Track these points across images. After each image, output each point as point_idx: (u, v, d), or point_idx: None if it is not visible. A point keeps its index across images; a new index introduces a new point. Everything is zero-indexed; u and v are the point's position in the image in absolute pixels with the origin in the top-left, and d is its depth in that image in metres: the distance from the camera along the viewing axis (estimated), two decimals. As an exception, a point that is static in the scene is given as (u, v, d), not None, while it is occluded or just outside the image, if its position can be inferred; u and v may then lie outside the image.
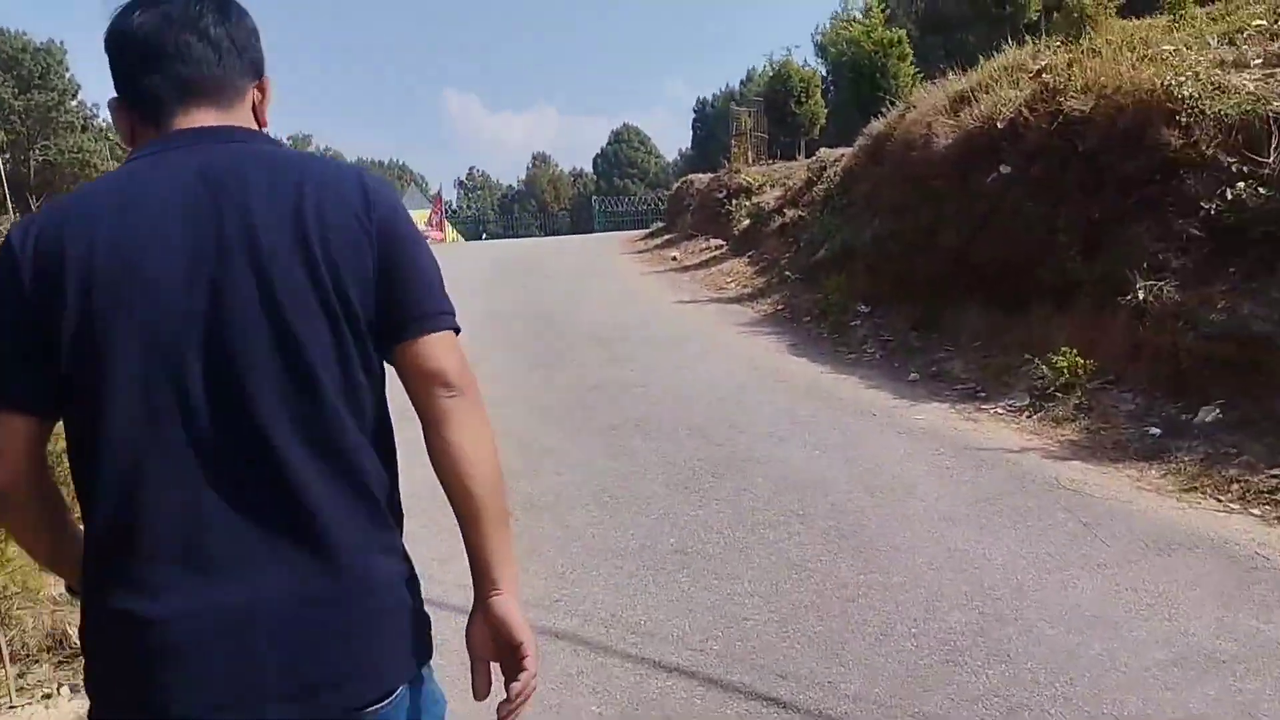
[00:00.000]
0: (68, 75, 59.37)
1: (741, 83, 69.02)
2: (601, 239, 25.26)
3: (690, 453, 6.81)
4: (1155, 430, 6.72)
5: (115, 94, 1.62)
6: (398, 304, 1.54)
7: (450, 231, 46.36)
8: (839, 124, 20.10)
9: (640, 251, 19.56)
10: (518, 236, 53.25)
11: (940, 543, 5.18)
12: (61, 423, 1.51)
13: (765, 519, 5.64)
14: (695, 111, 73.21)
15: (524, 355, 10.31)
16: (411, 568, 1.59)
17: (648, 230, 23.24)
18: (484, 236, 46.86)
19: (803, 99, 18.96)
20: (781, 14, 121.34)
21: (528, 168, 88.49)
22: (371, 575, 1.50)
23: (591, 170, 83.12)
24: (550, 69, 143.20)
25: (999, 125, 9.39)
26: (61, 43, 59.43)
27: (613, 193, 67.97)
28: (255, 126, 1.66)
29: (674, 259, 17.39)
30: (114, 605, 1.43)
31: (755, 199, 17.08)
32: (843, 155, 15.37)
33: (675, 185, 21.84)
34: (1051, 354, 7.63)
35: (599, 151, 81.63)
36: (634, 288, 14.77)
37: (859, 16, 26.89)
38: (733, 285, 14.12)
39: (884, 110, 13.95)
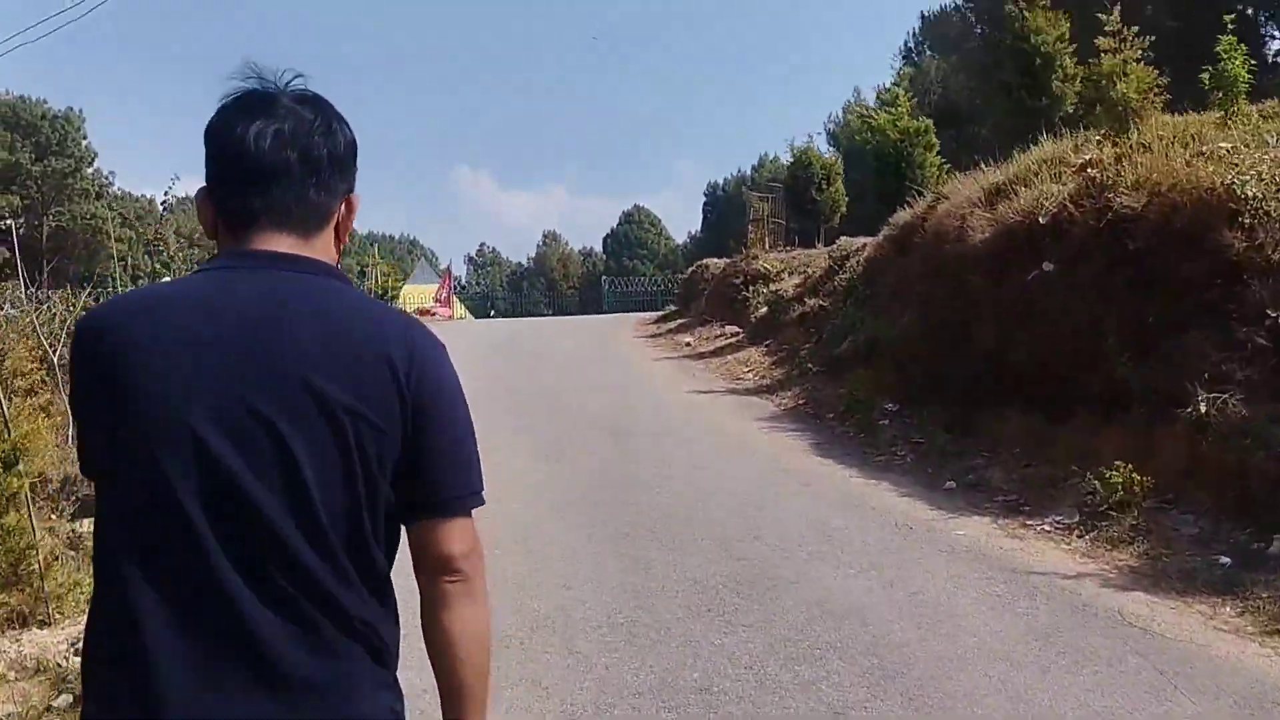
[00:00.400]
0: (84, 143, 60.14)
1: (754, 168, 69.26)
2: (612, 320, 24.82)
3: (712, 568, 6.20)
4: (1225, 560, 6.11)
5: (205, 183, 1.62)
6: (420, 481, 1.54)
7: (459, 308, 46.05)
8: (856, 213, 19.79)
9: (652, 335, 19.09)
10: (527, 315, 53.05)
11: (1001, 689, 4.56)
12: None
13: (799, 652, 5.01)
14: (706, 195, 73.51)
15: (531, 444, 9.74)
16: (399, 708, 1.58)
17: (660, 313, 22.83)
18: (492, 314, 46.45)
19: (824, 186, 18.65)
20: (793, 102, 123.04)
21: (538, 245, 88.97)
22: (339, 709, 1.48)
23: (601, 250, 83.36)
24: (561, 148, 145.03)
25: (1040, 220, 8.93)
26: (80, 111, 60.14)
27: (622, 273, 67.94)
28: (333, 249, 1.65)
29: (688, 344, 16.90)
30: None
31: (773, 286, 16.65)
32: (865, 244, 14.95)
33: (690, 269, 21.48)
34: (1103, 468, 7.04)
35: (609, 231, 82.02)
36: (647, 374, 14.25)
37: (870, 105, 26.81)
38: (750, 375, 13.59)
39: (909, 201, 13.56)
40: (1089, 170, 8.83)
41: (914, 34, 55.57)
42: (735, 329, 16.52)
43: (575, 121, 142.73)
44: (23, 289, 10.82)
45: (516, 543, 6.73)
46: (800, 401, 11.73)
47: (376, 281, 28.45)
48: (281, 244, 1.56)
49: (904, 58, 55.65)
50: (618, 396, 12.29)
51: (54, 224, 54.12)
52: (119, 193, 60.91)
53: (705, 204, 73.32)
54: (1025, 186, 9.75)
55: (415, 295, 46.47)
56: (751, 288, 16.97)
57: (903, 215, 13.19)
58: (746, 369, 13.99)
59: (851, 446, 9.75)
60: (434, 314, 32.70)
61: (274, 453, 1.44)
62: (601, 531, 6.99)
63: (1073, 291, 8.46)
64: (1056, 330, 8.51)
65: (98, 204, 56.81)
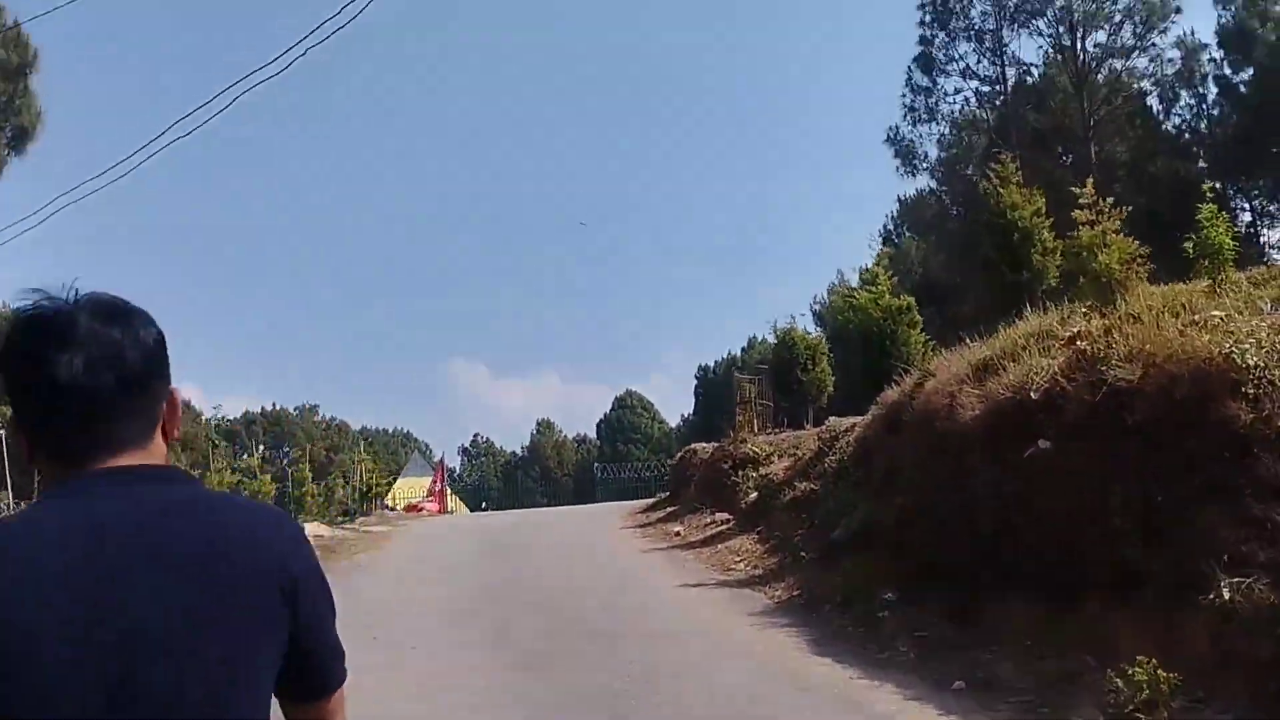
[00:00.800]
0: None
1: (743, 350, 69.84)
2: (603, 510, 24.26)
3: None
4: (1273, 766, 5.49)
5: (14, 415, 1.52)
6: (298, 673, 1.55)
7: (455, 502, 45.34)
8: (844, 392, 19.58)
9: (642, 525, 18.51)
10: (521, 505, 52.25)
11: None
12: None
13: None
14: (697, 378, 73.94)
15: (506, 652, 9.10)
16: None
17: (650, 501, 22.28)
18: (485, 506, 45.72)
19: (809, 365, 18.47)
20: (780, 285, 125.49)
21: (532, 434, 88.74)
22: None
23: (595, 435, 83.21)
24: (553, 338, 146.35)
25: (1032, 395, 8.60)
26: (5, 303, 60.32)
27: (616, 458, 67.52)
28: (164, 449, 1.58)
29: (677, 534, 16.31)
30: None
31: (763, 470, 16.22)
32: (854, 424, 14.62)
33: (678, 455, 21.07)
34: (1124, 664, 6.45)
35: (602, 417, 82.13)
36: (636, 568, 13.62)
37: (853, 285, 27.07)
38: (742, 565, 12.99)
39: (896, 379, 13.30)
40: (1079, 343, 8.57)
41: (893, 216, 57.26)
42: (726, 515, 15.98)
43: (567, 309, 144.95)
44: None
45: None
46: (795, 593, 11.11)
47: (361, 479, 27.89)
48: (121, 461, 1.48)
49: (884, 239, 57.19)
50: (605, 595, 11.66)
51: None
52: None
53: (696, 387, 73.67)
54: (1013, 361, 9.48)
55: (408, 489, 45.88)
56: (741, 472, 16.52)
57: (890, 394, 12.91)
58: (738, 558, 13.40)
59: (851, 643, 9.11)
60: (421, 509, 32.06)
61: (158, 672, 1.37)
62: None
63: (1072, 469, 8.04)
64: (1057, 511, 8.05)
65: None
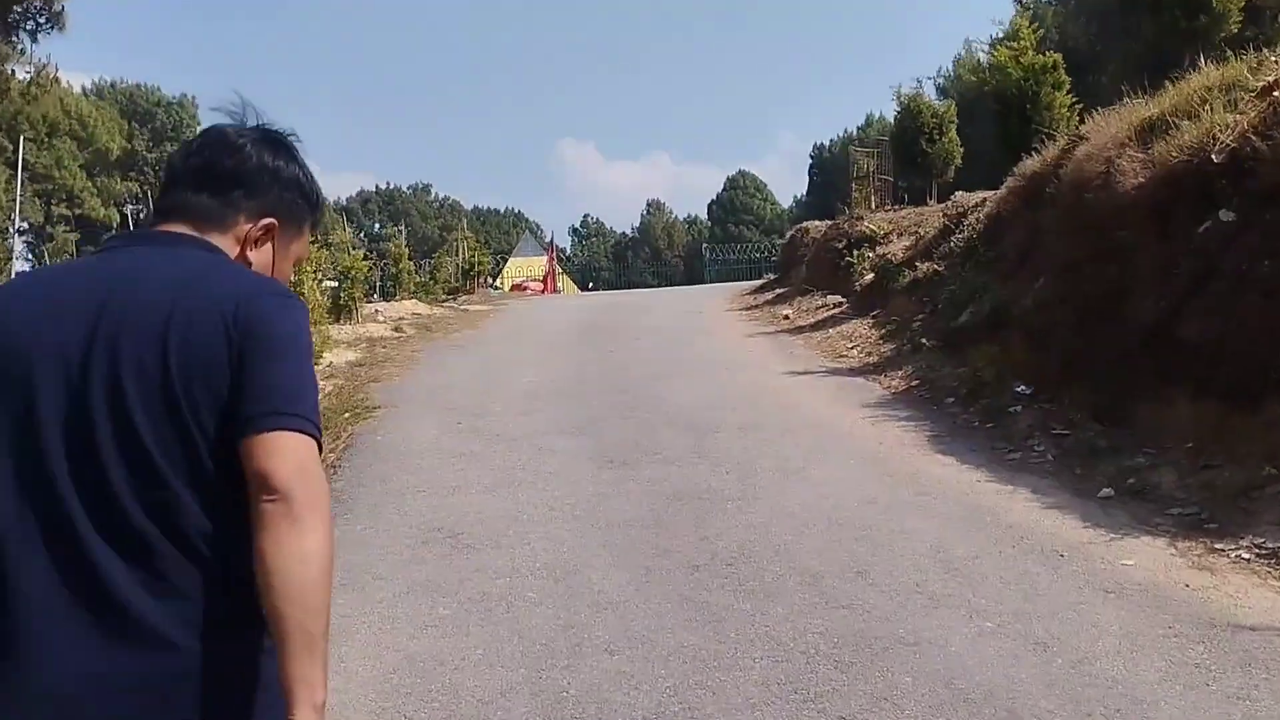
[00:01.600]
0: (199, 129, 61.44)
1: (860, 128, 67.09)
2: (709, 291, 23.32)
3: (802, 622, 4.75)
4: None
5: None
6: (237, 405, 1.59)
7: (565, 282, 44.99)
8: (973, 170, 17.85)
9: (749, 308, 17.54)
10: (630, 286, 51.76)
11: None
12: None
13: (922, 765, 3.55)
14: (812, 157, 71.48)
15: (593, 445, 8.39)
16: (252, 646, 1.60)
17: (759, 283, 21.24)
18: (591, 287, 45.15)
19: (935, 136, 16.72)
20: (899, 59, 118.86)
21: (642, 214, 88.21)
22: (193, 653, 1.54)
23: (706, 217, 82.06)
24: (665, 117, 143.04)
25: (1214, 158, 7.16)
26: (194, 98, 61.37)
27: (727, 239, 66.65)
28: (230, 248, 1.80)
29: (786, 318, 15.32)
30: None
31: (880, 250, 14.95)
32: (985, 199, 13.17)
33: (789, 233, 19.77)
34: (1321, 476, 5.35)
35: (714, 198, 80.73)
36: (739, 353, 12.73)
37: (991, 41, 24.51)
38: (855, 353, 11.99)
39: (1037, 147, 11.73)
40: (1277, 92, 7.02)
41: None
42: (838, 299, 14.88)
43: (679, 89, 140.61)
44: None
45: (554, 583, 5.38)
46: (913, 383, 10.10)
47: (464, 257, 27.40)
48: (173, 228, 1.77)
49: (1018, 2, 52.77)
50: (704, 383, 10.84)
51: None
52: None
53: (811, 166, 71.50)
54: (1189, 119, 7.95)
55: (519, 269, 45.93)
56: (856, 252, 15.27)
57: (1031, 163, 11.39)
58: (851, 345, 12.38)
59: (977, 439, 8.14)
60: (526, 289, 31.67)
61: (110, 393, 1.57)
62: (663, 569, 5.57)
63: (1261, 245, 6.71)
64: (1239, 295, 6.78)
65: (209, 187, 57.93)
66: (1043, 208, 10.49)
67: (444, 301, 21.47)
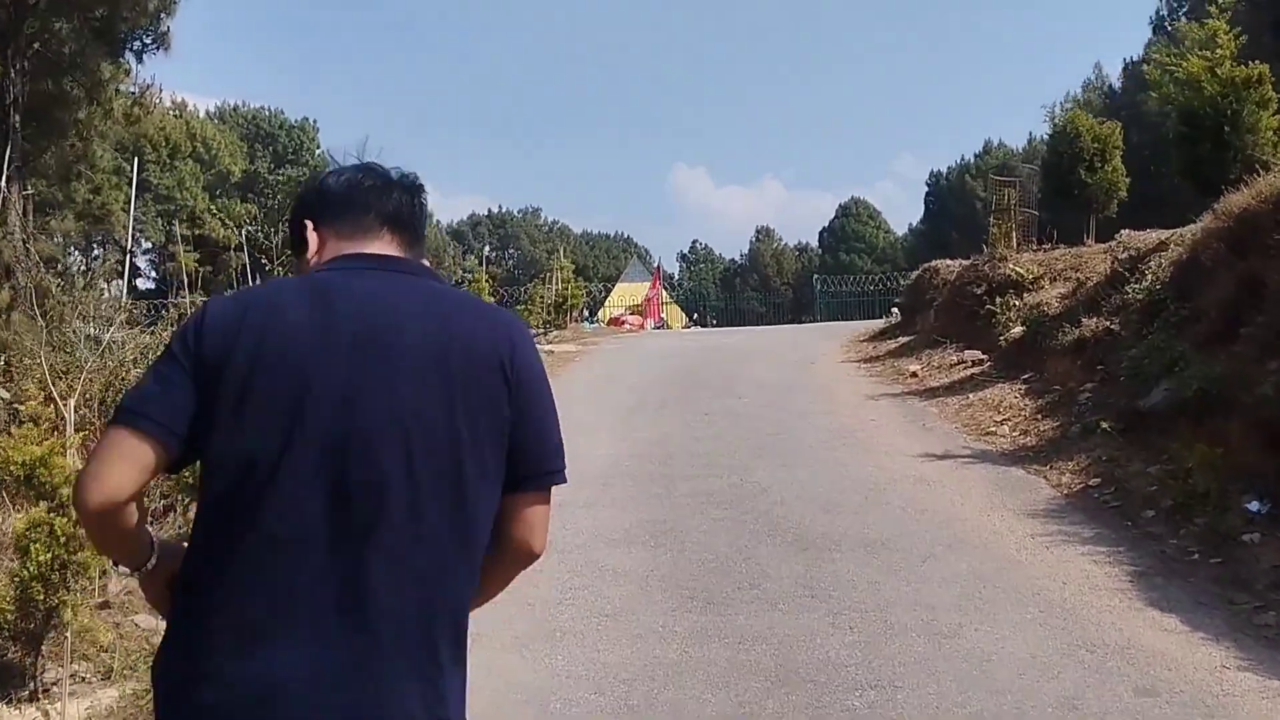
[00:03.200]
0: (319, 151, 62.31)
1: (977, 155, 64.08)
2: (821, 334, 21.04)
3: None
4: None
5: (314, 221, 1.92)
6: (512, 462, 1.74)
7: (674, 311, 42.87)
8: (1139, 198, 15.33)
9: (869, 359, 15.27)
10: (736, 320, 49.53)
11: None
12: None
13: None
14: (929, 185, 68.50)
15: (670, 565, 6.39)
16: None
17: (877, 326, 18.93)
18: (694, 320, 42.71)
19: (1096, 164, 14.25)
20: (1018, 86, 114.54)
21: (751, 241, 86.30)
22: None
23: (817, 244, 79.75)
24: (778, 143, 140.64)
25: None
26: (314, 121, 62.13)
27: (838, 268, 64.28)
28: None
29: (913, 375, 13.05)
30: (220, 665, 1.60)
31: (1028, 298, 12.61)
32: (1166, 241, 10.77)
33: (915, 273, 17.48)
34: None
35: (825, 226, 78.41)
36: (859, 424, 10.52)
37: (1160, 55, 21.69)
38: (1006, 429, 9.70)
39: (1242, 178, 9.34)
40: None
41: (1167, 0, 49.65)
42: (977, 355, 12.56)
43: (793, 114, 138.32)
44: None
45: None
46: (1092, 481, 7.81)
47: (557, 288, 25.68)
48: (389, 249, 1.87)
49: (1154, 26, 49.53)
50: (817, 467, 8.73)
51: (286, 230, 55.89)
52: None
53: (927, 194, 68.63)
54: None
55: (627, 294, 44.27)
56: (999, 299, 12.94)
57: (1238, 198, 9.00)
58: (999, 418, 10.09)
59: (1202, 583, 5.86)
60: (624, 323, 29.81)
61: (387, 427, 1.65)
62: None
63: None
64: None
65: (328, 210, 58.72)
66: (1258, 254, 8.14)
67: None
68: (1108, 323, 10.24)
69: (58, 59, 25.23)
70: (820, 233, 79.70)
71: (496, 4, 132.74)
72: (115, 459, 1.63)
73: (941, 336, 14.01)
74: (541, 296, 25.93)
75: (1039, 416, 9.74)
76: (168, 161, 53.12)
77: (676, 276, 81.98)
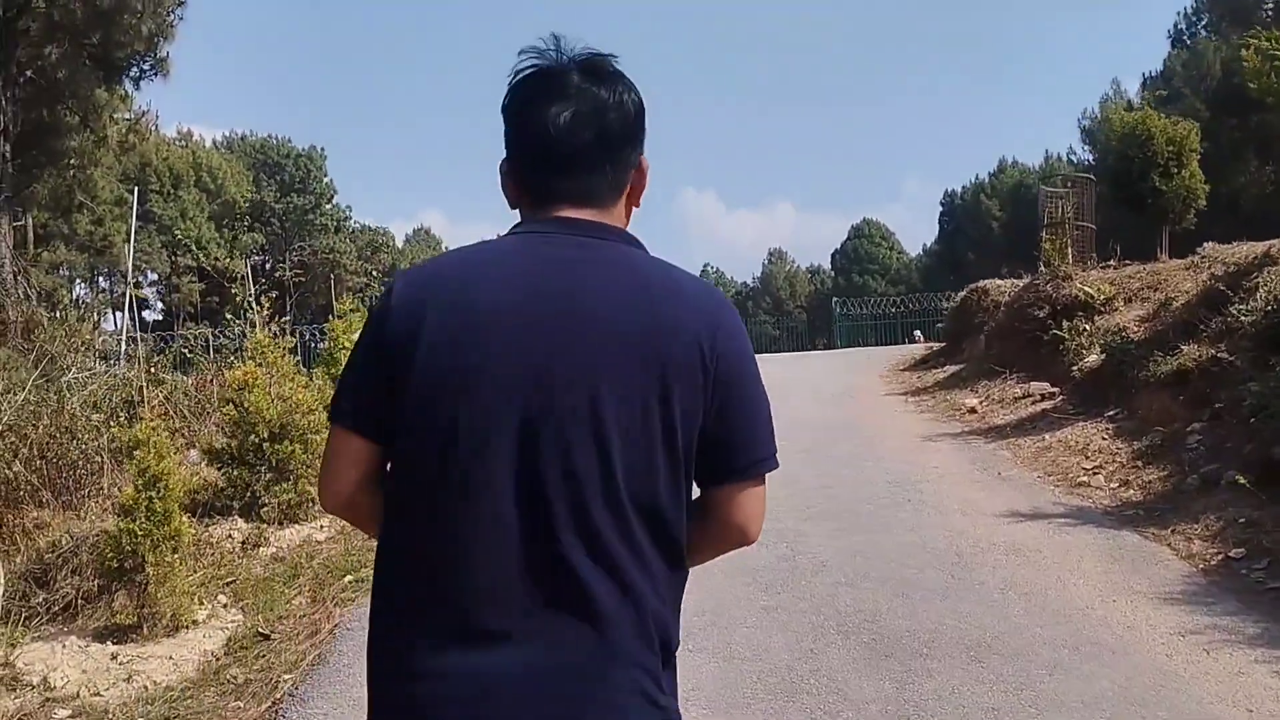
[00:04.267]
0: (325, 180, 61.68)
1: (991, 174, 63.12)
2: (852, 361, 19.52)
3: None
4: None
5: (508, 159, 1.70)
6: (721, 449, 1.59)
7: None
8: (1219, 208, 13.78)
9: (915, 392, 13.72)
10: (754, 344, 47.72)
11: None
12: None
13: None
14: (943, 204, 67.34)
15: (715, 702, 4.83)
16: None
17: (917, 352, 17.37)
18: None
19: (1172, 169, 12.71)
20: (1033, 103, 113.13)
21: (763, 264, 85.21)
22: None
23: (829, 266, 78.66)
24: (787, 165, 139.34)
25: None
26: (322, 149, 61.53)
27: (851, 290, 63.23)
28: (624, 216, 1.72)
29: (971, 411, 11.51)
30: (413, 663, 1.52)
31: (1102, 321, 11.10)
32: (1273, 254, 9.26)
33: (961, 294, 15.90)
34: None
35: (837, 248, 77.37)
36: (923, 474, 8.96)
37: (1128, 100, 20.24)
38: (1100, 479, 8.16)
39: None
40: None
41: (1187, 11, 48.78)
42: (1045, 387, 11.03)
43: (802, 136, 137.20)
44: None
45: None
46: (1232, 551, 6.24)
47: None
48: (581, 213, 1.64)
49: (1173, 40, 48.60)
50: (884, 532, 7.21)
51: (295, 258, 55.02)
52: (355, 226, 62.01)
53: (941, 214, 67.48)
54: None
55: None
56: (1066, 323, 11.42)
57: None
58: (1089, 464, 8.55)
59: None
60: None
61: (584, 414, 1.49)
62: None
63: None
64: None
65: (336, 237, 58.03)
66: None
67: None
68: (1213, 350, 8.72)
69: (52, 86, 24.22)
70: (833, 254, 78.74)
71: (505, 31, 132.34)
72: (333, 457, 1.63)
73: (999, 365, 12.46)
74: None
75: (1139, 464, 8.19)
76: (171, 191, 52.92)
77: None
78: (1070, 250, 14.15)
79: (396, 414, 1.53)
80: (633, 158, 1.68)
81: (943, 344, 16.52)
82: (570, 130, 1.60)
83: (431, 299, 1.53)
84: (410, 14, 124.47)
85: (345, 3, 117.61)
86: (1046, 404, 10.60)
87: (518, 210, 1.70)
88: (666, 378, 1.50)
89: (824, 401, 13.20)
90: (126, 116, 28.41)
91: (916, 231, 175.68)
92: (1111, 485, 7.95)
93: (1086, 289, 11.55)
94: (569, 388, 1.48)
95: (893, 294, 56.73)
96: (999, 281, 15.18)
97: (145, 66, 25.18)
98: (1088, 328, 11.15)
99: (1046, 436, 9.60)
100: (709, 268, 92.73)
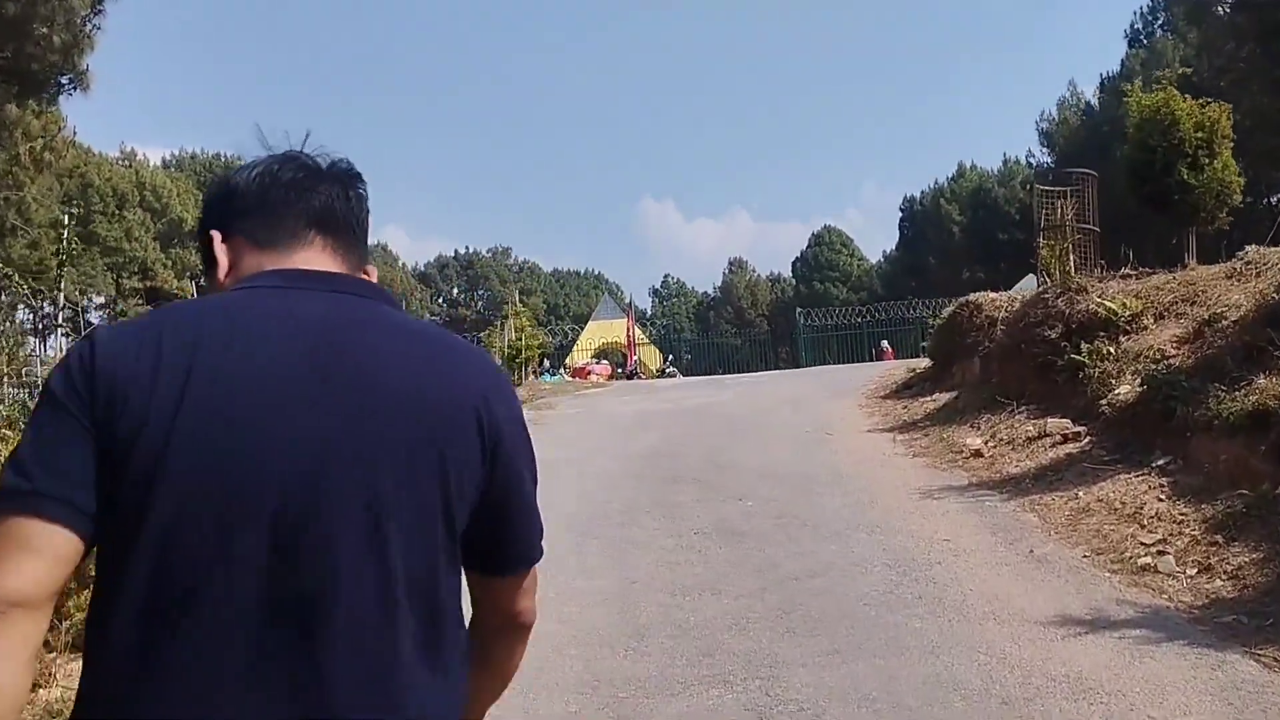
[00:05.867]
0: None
1: (950, 178, 62.79)
2: (821, 383, 17.53)
3: None
4: None
5: (226, 230, 1.52)
6: (496, 537, 1.44)
7: (651, 355, 39.15)
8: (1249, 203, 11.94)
9: (903, 427, 11.68)
10: (714, 363, 46.07)
11: None
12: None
13: None
14: (902, 210, 66.46)
15: None
16: None
17: (898, 377, 15.38)
18: (669, 366, 38.43)
19: (1203, 160, 10.80)
20: (989, 109, 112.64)
21: (724, 273, 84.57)
22: None
23: (790, 275, 77.76)
24: (744, 174, 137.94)
25: None
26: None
27: (813, 297, 62.33)
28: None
29: (975, 453, 9.50)
30: None
31: (1130, 343, 9.18)
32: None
33: (950, 308, 13.95)
34: None
35: (798, 255, 76.75)
36: (923, 549, 6.90)
37: (1090, 98, 18.48)
38: (1170, 561, 6.15)
39: None
40: None
41: (1143, 11, 48.35)
42: (1066, 425, 9.04)
43: (758, 145, 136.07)
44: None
45: None
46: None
47: (509, 339, 22.13)
48: (328, 262, 1.48)
49: (1129, 40, 48.02)
50: (889, 655, 5.18)
51: None
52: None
53: (901, 219, 66.77)
54: None
55: (598, 332, 41.04)
56: (1086, 345, 9.48)
57: None
58: (1148, 537, 6.55)
59: None
60: (589, 373, 26.24)
61: (355, 499, 1.28)
62: None
63: None
64: None
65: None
66: None
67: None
68: (1293, 383, 6.79)
69: None
70: (794, 262, 78.01)
71: (455, 45, 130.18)
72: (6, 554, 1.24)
73: (1002, 396, 10.49)
74: (498, 347, 22.45)
75: (1218, 539, 6.22)
76: (116, 212, 51.30)
77: (649, 313, 79.91)
78: (1073, 257, 12.28)
79: (111, 497, 1.25)
80: (365, 252, 1.55)
81: (927, 365, 14.53)
82: (313, 174, 1.52)
83: (163, 359, 1.26)
84: (365, 27, 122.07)
85: (298, 18, 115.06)
86: (1071, 447, 8.63)
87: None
88: (448, 451, 1.32)
89: (796, 442, 11.14)
90: (45, 133, 26.57)
91: (875, 238, 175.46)
92: (1188, 572, 5.97)
93: (1107, 304, 9.61)
94: (342, 470, 1.26)
95: (854, 301, 55.58)
96: (993, 295, 13.22)
97: (63, 80, 23.31)
98: (1113, 351, 9.21)
99: (1080, 493, 7.62)
100: (670, 278, 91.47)
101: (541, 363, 24.21)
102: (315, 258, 1.45)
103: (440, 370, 1.36)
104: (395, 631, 1.27)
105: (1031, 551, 6.69)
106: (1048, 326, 10.16)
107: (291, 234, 1.46)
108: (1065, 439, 8.81)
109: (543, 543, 1.50)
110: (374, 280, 1.52)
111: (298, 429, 1.26)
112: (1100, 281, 10.36)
